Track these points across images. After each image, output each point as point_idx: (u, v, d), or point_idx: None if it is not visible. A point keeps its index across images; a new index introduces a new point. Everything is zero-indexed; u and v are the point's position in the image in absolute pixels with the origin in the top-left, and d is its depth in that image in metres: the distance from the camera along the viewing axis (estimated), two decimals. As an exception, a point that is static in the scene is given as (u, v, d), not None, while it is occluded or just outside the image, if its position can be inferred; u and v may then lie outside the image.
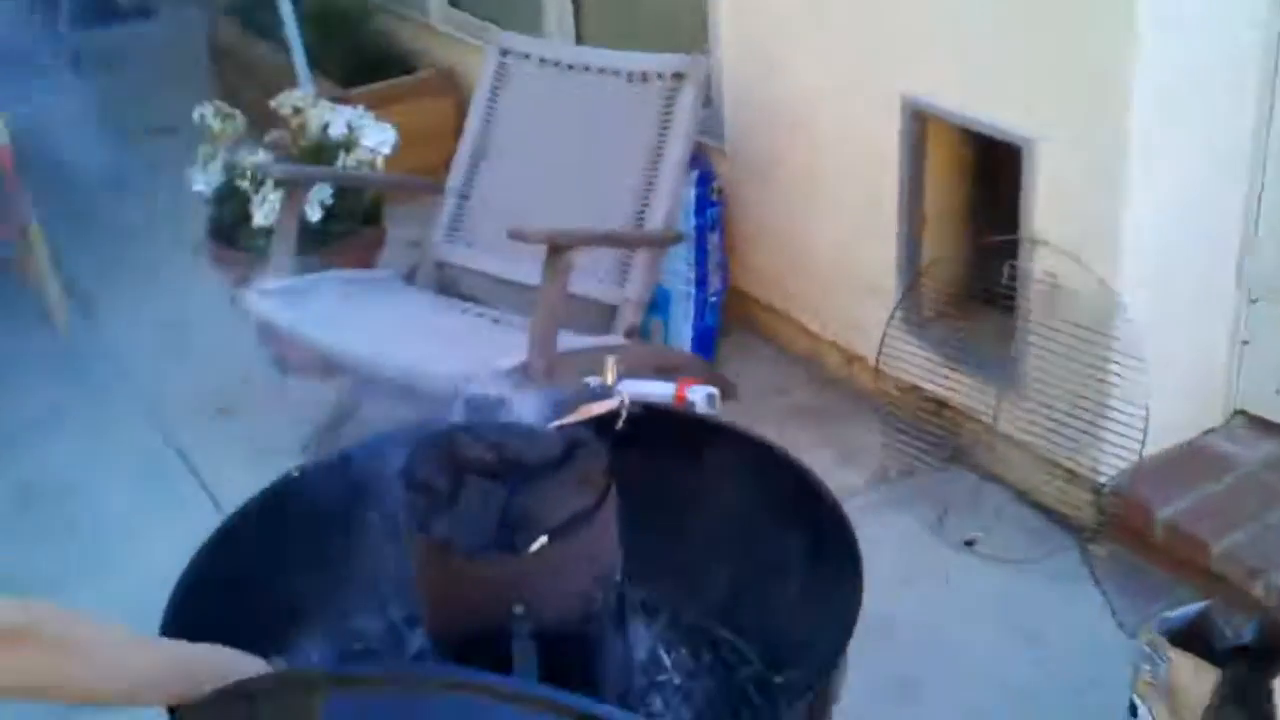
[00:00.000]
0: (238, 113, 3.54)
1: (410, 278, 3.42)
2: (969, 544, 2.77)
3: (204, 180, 3.46)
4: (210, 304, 3.56)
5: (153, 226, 4.35)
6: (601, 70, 3.31)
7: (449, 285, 3.42)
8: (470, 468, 1.37)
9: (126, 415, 3.58)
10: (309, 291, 3.17)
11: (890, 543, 2.82)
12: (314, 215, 3.32)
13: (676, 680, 1.63)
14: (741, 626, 1.69)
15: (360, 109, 3.56)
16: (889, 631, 2.52)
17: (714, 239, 3.46)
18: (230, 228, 3.48)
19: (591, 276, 3.20)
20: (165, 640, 1.39)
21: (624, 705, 1.49)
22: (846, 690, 1.45)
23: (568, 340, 3.06)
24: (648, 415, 1.66)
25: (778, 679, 1.59)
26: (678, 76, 3.15)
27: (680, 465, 1.71)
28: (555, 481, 1.39)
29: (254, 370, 3.46)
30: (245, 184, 3.35)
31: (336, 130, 3.44)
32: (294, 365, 3.26)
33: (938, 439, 3.00)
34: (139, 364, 3.77)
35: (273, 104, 3.55)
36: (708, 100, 3.41)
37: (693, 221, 3.40)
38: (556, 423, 1.46)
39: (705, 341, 3.53)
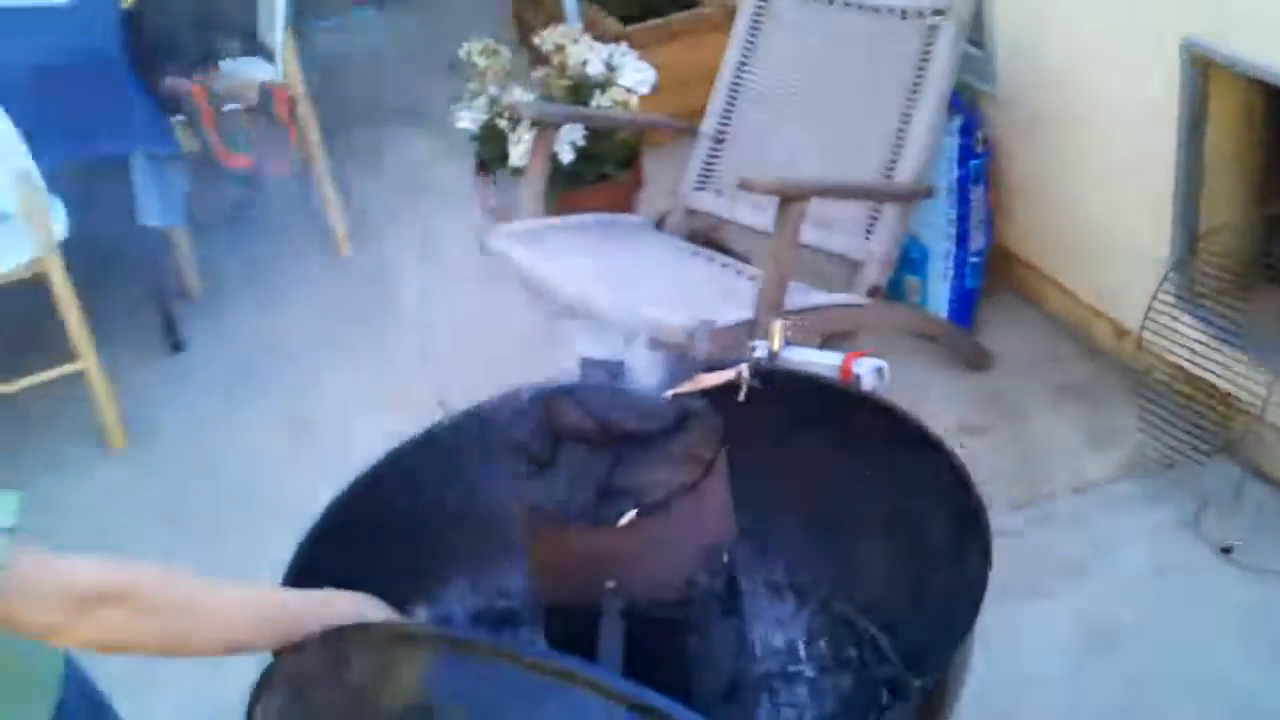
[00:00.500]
0: (503, 49, 3.56)
1: (660, 224, 3.36)
2: (1226, 551, 2.48)
3: (469, 117, 3.51)
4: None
5: (442, 160, 4.46)
6: (862, 6, 3.13)
7: (699, 233, 3.35)
8: (569, 434, 1.29)
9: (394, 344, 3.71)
10: (553, 233, 3.17)
11: (1136, 540, 2.56)
12: (565, 156, 3.30)
13: (809, 673, 1.52)
14: (890, 622, 1.55)
15: (622, 47, 3.51)
16: (1121, 639, 2.30)
17: (978, 193, 3.23)
18: (490, 166, 3.52)
19: (838, 230, 3.05)
20: (277, 590, 1.39)
21: (732, 697, 1.39)
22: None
23: (802, 296, 2.94)
24: (802, 387, 1.54)
25: (916, 682, 1.45)
26: (938, 13, 2.94)
27: (838, 442, 1.58)
28: (658, 453, 1.29)
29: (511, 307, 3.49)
30: (503, 122, 3.37)
31: (595, 69, 3.40)
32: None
33: (1204, 428, 2.70)
34: (409, 294, 3.88)
35: (536, 40, 3.55)
36: (980, 42, 3.17)
37: (954, 173, 3.18)
38: (671, 391, 1.36)
39: (964, 304, 3.31)
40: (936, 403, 3.10)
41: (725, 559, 1.33)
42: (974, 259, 3.28)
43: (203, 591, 1.29)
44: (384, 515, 1.61)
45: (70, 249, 3.26)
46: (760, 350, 1.69)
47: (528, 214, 3.18)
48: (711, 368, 1.43)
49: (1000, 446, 2.96)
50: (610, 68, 3.41)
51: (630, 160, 3.56)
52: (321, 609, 1.33)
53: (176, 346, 3.70)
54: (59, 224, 3.18)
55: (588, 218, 3.26)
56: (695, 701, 1.35)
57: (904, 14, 3.02)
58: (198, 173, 3.89)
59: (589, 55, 3.41)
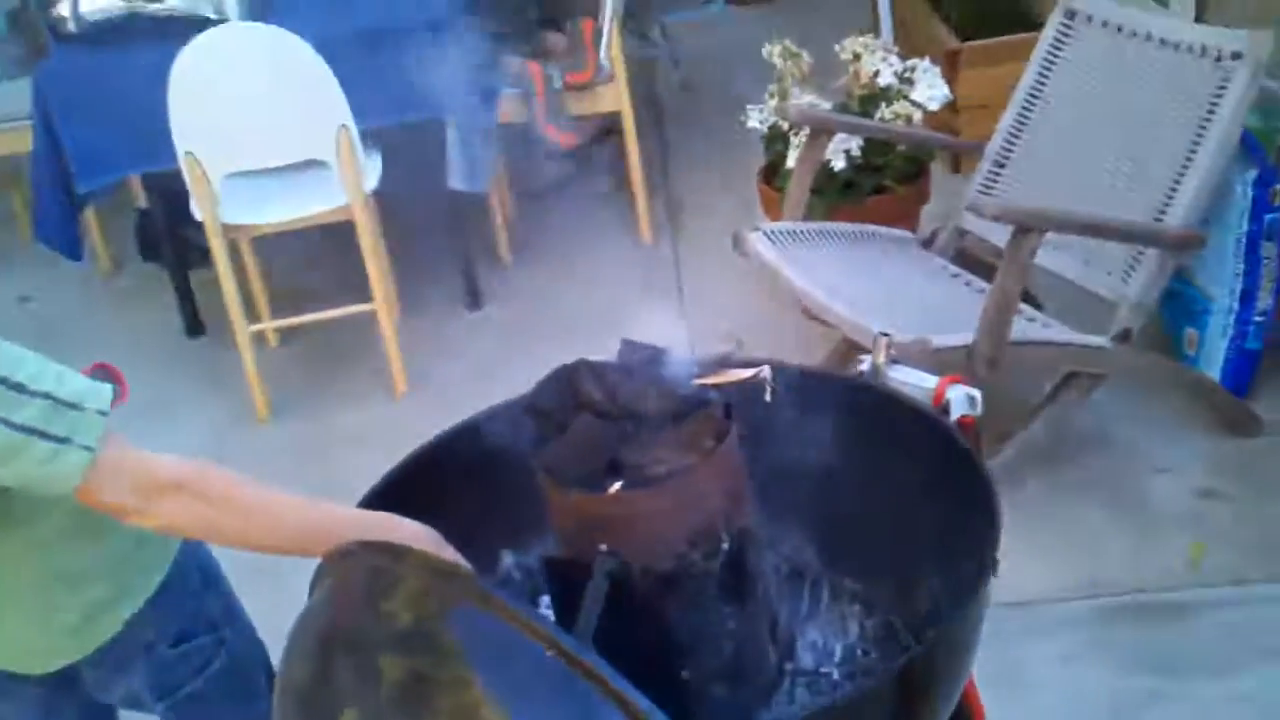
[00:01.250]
0: (804, 53, 3.61)
1: (930, 242, 3.32)
2: None
3: (758, 118, 3.59)
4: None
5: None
6: (1162, 42, 2.97)
7: (968, 254, 3.29)
8: (585, 405, 1.37)
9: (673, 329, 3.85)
10: (808, 238, 3.21)
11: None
12: (838, 164, 3.32)
13: (835, 676, 1.52)
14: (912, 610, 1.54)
15: (924, 61, 3.48)
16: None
17: (1270, 249, 2.99)
18: (771, 168, 3.58)
19: (1097, 267, 2.93)
20: (343, 507, 1.52)
21: (738, 677, 1.42)
22: None
23: (1037, 329, 2.85)
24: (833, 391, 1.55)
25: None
26: (1236, 56, 2.76)
27: (868, 444, 1.57)
28: (664, 434, 1.35)
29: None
30: (785, 125, 3.43)
31: (886, 80, 3.40)
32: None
33: None
34: (699, 284, 4.01)
35: (836, 47, 3.58)
36: (1291, 88, 2.95)
37: (1245, 227, 2.96)
38: (698, 381, 1.40)
39: (1243, 365, 3.08)
40: (1181, 458, 2.93)
41: (725, 542, 1.37)
42: (1258, 319, 3.04)
43: (265, 496, 1.45)
44: (485, 460, 1.71)
45: (390, 205, 3.60)
46: (865, 365, 1.69)
47: (788, 216, 3.23)
48: (744, 365, 1.46)
49: (1242, 516, 2.77)
50: (904, 81, 3.39)
51: (915, 175, 3.52)
52: (379, 528, 1.46)
53: (473, 305, 3.98)
54: (373, 175, 3.51)
55: (849, 227, 3.27)
56: (687, 675, 1.40)
57: (1202, 51, 2.85)
58: (524, 146, 4.17)
59: (881, 66, 3.41)
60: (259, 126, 3.34)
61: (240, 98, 3.29)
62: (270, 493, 1.46)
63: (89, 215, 4.31)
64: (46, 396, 1.31)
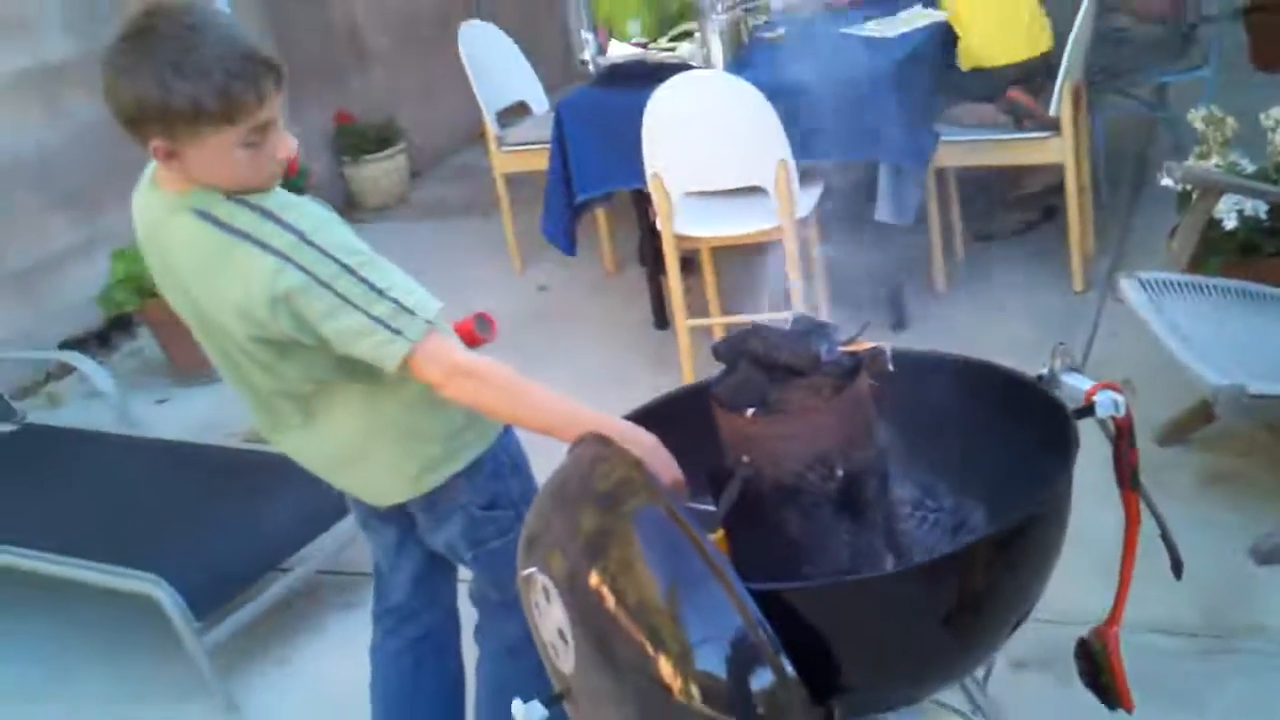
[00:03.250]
0: (1229, 119, 3.72)
1: (1324, 304, 3.35)
2: None
3: (1173, 177, 3.74)
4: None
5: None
6: None
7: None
8: (749, 355, 1.84)
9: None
10: (1186, 290, 3.36)
11: None
12: (1229, 223, 3.44)
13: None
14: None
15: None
16: None
17: None
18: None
19: None
20: (597, 412, 2.02)
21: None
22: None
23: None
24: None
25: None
26: None
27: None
28: (798, 381, 1.79)
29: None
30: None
31: (1298, 148, 3.47)
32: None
33: None
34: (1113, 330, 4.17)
35: (1261, 116, 3.66)
36: None
37: None
38: (841, 348, 1.82)
39: None
40: None
41: (839, 470, 1.78)
42: None
43: (536, 390, 2.03)
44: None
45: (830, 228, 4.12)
46: (1044, 370, 2.00)
47: (1170, 267, 3.40)
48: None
49: None
50: (1313, 148, 3.44)
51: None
52: (612, 427, 1.96)
53: (897, 326, 4.41)
54: (805, 204, 4.06)
55: (1229, 283, 3.39)
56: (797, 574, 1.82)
57: None
58: (986, 192, 4.57)
59: (1293, 134, 3.48)
60: (712, 155, 3.99)
61: (699, 131, 3.96)
62: (538, 387, 2.03)
63: (601, 223, 5.21)
64: (395, 301, 1.97)
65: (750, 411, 1.79)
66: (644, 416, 2.06)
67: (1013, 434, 1.95)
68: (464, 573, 2.49)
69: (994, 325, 4.34)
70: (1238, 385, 2.80)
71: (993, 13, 4.50)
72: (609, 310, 5.02)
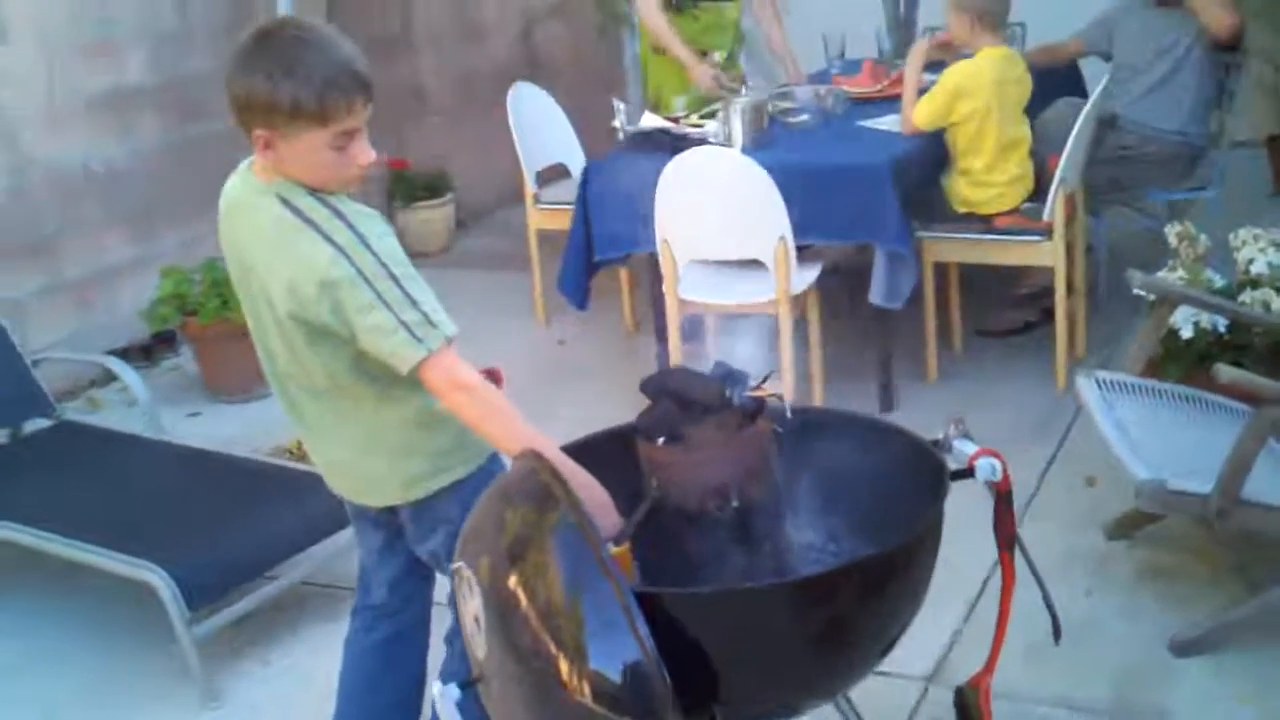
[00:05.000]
0: (1202, 236, 3.95)
1: None
2: None
3: (1134, 284, 3.95)
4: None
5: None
6: None
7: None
8: (669, 393, 2.10)
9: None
10: (1138, 392, 3.56)
11: None
12: (1185, 333, 3.65)
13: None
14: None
15: (1311, 254, 3.71)
16: None
17: None
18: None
19: None
20: (553, 444, 2.29)
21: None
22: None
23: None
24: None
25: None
26: None
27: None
28: (704, 419, 2.05)
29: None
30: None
31: (1257, 267, 3.68)
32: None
33: None
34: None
35: (1230, 235, 3.89)
36: None
37: None
38: (748, 392, 2.08)
39: None
40: None
41: (734, 502, 2.03)
42: None
43: (513, 415, 2.29)
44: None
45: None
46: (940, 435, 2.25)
47: (1126, 370, 3.61)
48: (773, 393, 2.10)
49: None
50: (1272, 269, 3.65)
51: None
52: (565, 463, 2.22)
53: (884, 408, 4.63)
54: (801, 281, 4.32)
55: (1184, 389, 3.58)
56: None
57: None
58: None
59: (1256, 255, 3.69)
60: (718, 227, 4.27)
61: (707, 203, 4.24)
62: (518, 417, 2.30)
63: (624, 282, 5.49)
64: (424, 314, 2.26)
65: (660, 440, 2.05)
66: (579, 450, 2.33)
67: (909, 488, 2.20)
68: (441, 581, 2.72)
69: (976, 416, 4.53)
70: (1158, 480, 3.00)
71: (983, 159, 4.61)
72: (622, 367, 5.25)
